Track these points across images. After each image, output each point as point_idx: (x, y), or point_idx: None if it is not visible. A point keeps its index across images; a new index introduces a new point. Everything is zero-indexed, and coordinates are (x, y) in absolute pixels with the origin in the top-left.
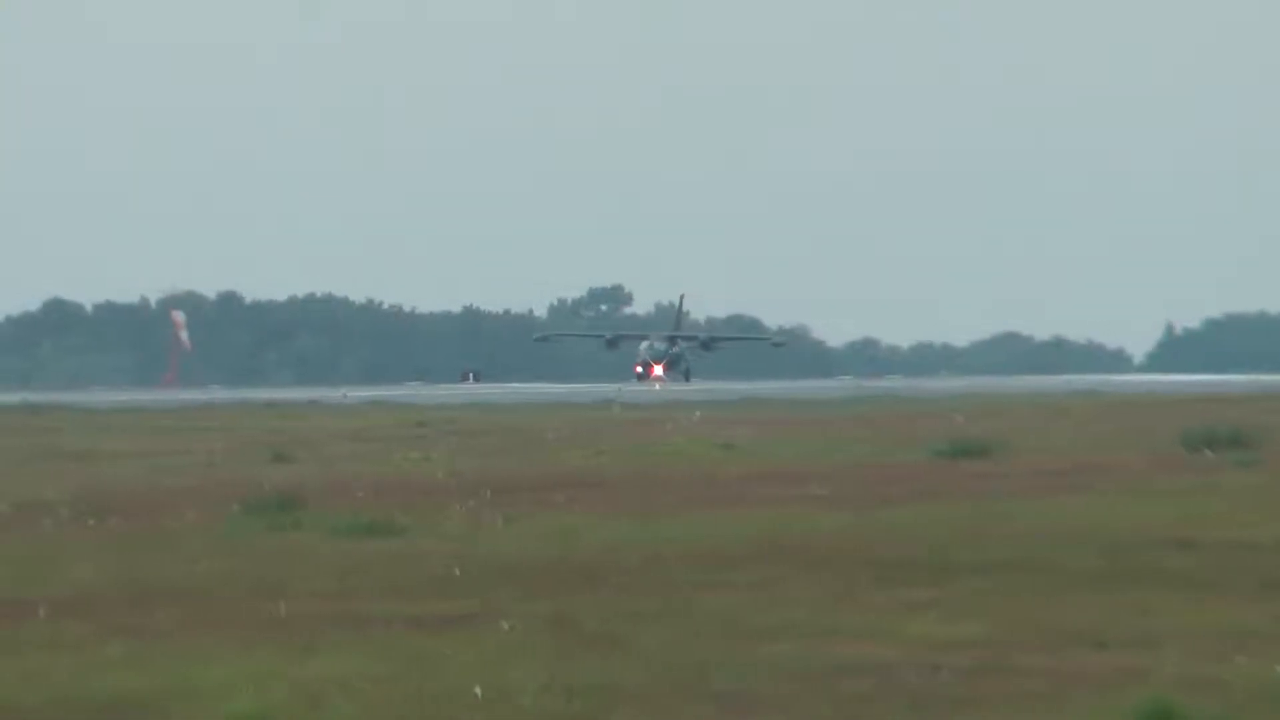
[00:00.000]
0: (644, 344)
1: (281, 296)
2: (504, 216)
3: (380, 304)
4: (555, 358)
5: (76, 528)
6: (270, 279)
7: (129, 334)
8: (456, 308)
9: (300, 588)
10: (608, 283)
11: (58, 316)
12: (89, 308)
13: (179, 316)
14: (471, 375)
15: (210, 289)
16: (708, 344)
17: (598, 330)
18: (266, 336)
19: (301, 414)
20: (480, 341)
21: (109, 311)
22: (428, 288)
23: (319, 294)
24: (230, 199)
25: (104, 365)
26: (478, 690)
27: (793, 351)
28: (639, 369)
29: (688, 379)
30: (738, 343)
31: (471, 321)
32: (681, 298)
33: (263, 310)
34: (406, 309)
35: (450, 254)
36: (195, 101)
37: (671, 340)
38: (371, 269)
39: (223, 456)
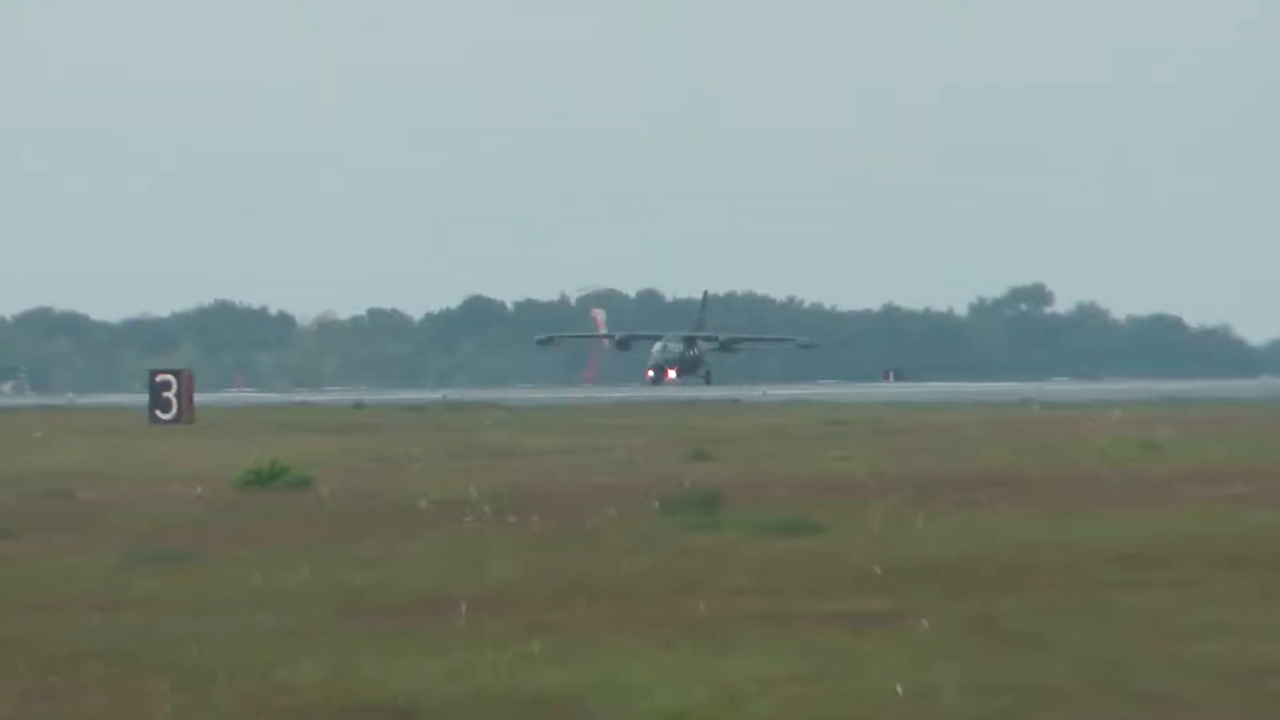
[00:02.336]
0: (657, 345)
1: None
2: (924, 211)
3: (801, 302)
4: (972, 357)
5: (497, 525)
6: (690, 276)
7: (549, 331)
8: (877, 305)
9: (719, 585)
10: (1028, 281)
11: (478, 314)
12: (509, 305)
13: (599, 314)
14: (891, 374)
15: (630, 286)
16: (729, 345)
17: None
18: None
19: (721, 412)
20: (900, 340)
21: (529, 309)
22: (848, 285)
23: (739, 291)
24: (643, 196)
25: (526, 363)
26: (899, 689)
27: (1215, 350)
28: (650, 373)
29: (709, 382)
30: (765, 344)
31: (892, 320)
32: (705, 294)
33: (682, 307)
34: (827, 307)
35: (871, 251)
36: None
37: (689, 341)
38: (792, 266)
39: (642, 454)
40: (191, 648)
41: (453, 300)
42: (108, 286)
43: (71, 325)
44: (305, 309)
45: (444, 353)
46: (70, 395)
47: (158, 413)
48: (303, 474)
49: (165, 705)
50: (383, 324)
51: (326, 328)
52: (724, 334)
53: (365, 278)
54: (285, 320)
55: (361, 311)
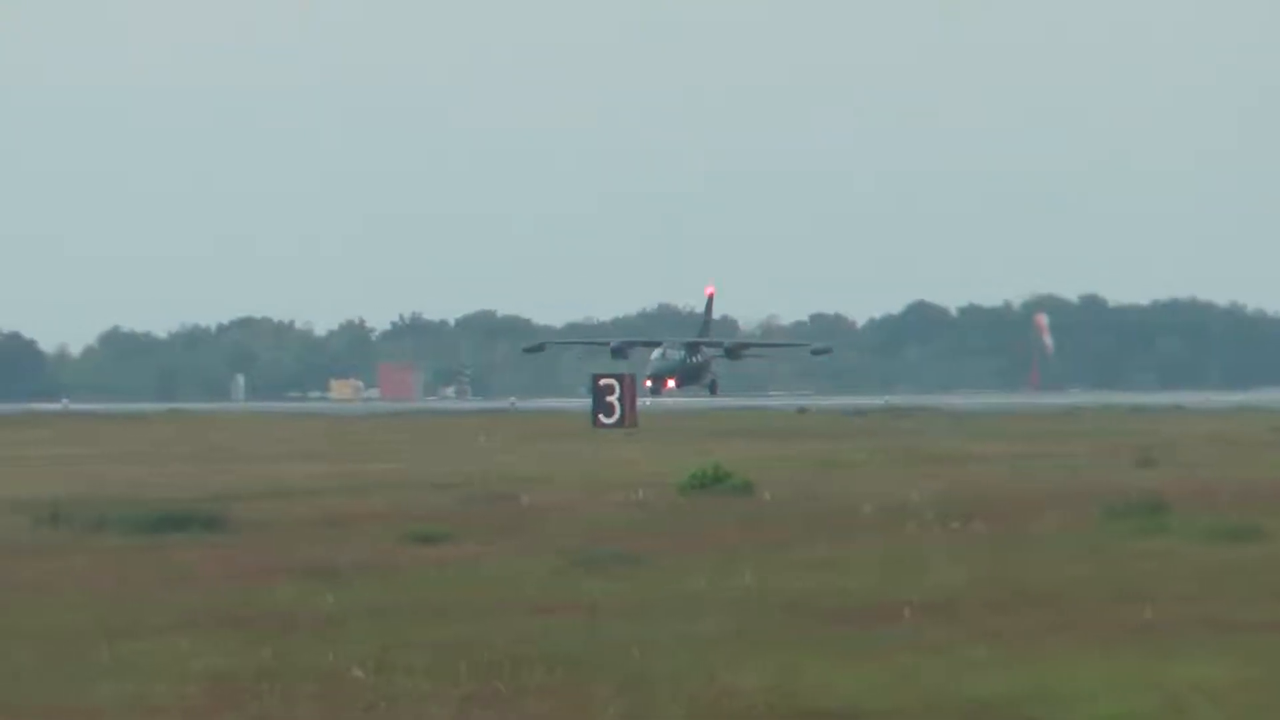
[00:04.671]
0: (655, 352)
1: (1144, 300)
2: None
3: (1243, 307)
4: None
5: (940, 531)
6: (1132, 282)
7: (993, 337)
8: None
9: (1164, 592)
10: None
11: (922, 319)
12: (953, 311)
13: (1042, 320)
14: None
15: (1072, 292)
16: (734, 352)
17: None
18: (1128, 340)
19: (1163, 418)
20: None
21: (973, 315)
22: None
23: (1181, 297)
24: (1092, 200)
25: (968, 368)
26: None
27: None
28: (649, 382)
29: (714, 393)
30: (771, 350)
31: None
32: (710, 296)
33: (1124, 314)
34: (1270, 313)
35: None
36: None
37: (692, 347)
38: (1234, 271)
39: (1086, 460)
40: (634, 652)
41: (896, 306)
42: (549, 291)
43: (513, 329)
44: (748, 313)
45: (887, 358)
46: (512, 400)
47: (600, 417)
48: (745, 478)
49: (609, 710)
50: (825, 329)
51: (770, 333)
52: (729, 339)
53: (809, 283)
54: (728, 324)
55: (804, 317)
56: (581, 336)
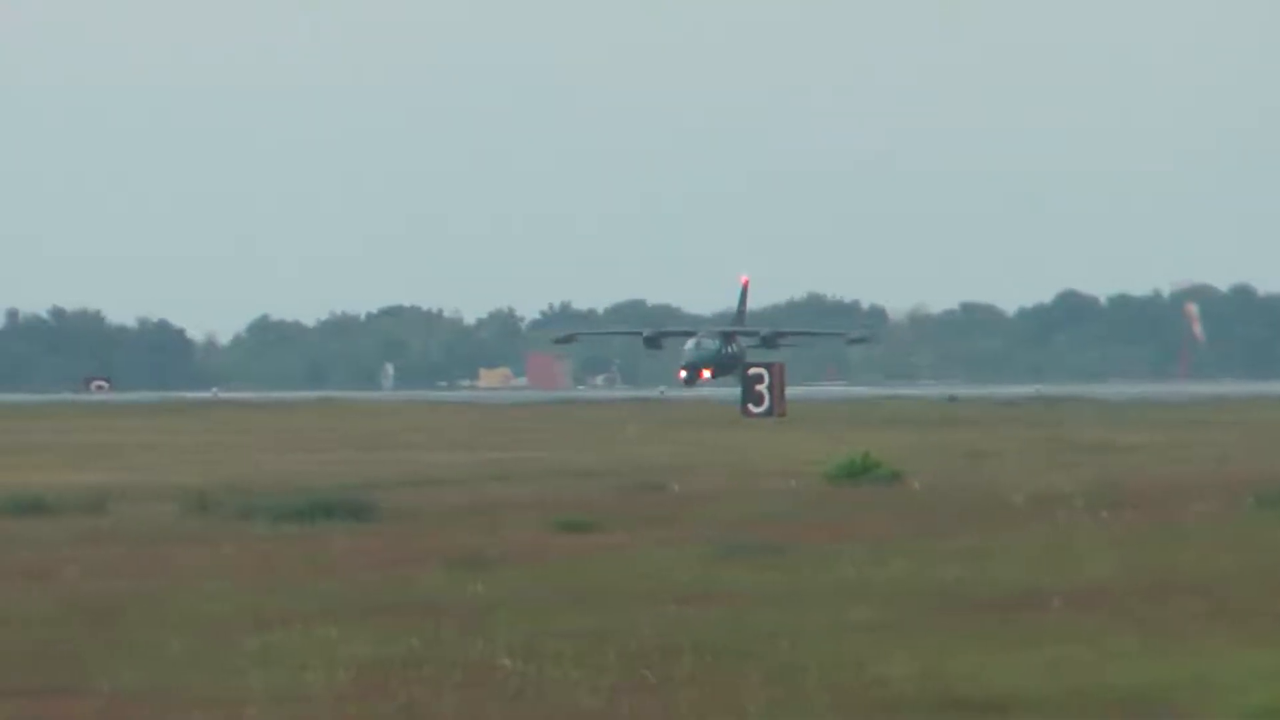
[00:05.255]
0: (690, 342)
1: None
2: None
3: None
4: None
5: (1090, 519)
6: None
7: (1143, 326)
8: None
9: None
10: None
11: (1072, 309)
12: (1103, 300)
13: (1192, 309)
14: None
15: (1223, 282)
16: (770, 340)
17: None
18: (1278, 329)
19: None
20: None
21: (1122, 304)
22: None
23: None
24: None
25: (1119, 358)
26: None
27: None
28: (683, 373)
29: None
30: (811, 339)
31: None
32: (745, 284)
33: (1275, 303)
34: None
35: None
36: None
37: (726, 337)
38: None
39: (1236, 450)
40: (783, 641)
41: (1046, 295)
42: (700, 280)
43: (662, 318)
44: (897, 302)
45: (1036, 347)
46: (661, 389)
47: (749, 406)
48: (894, 468)
49: (757, 699)
50: (975, 318)
51: (919, 321)
52: (765, 328)
53: (957, 271)
54: (876, 314)
55: (954, 305)
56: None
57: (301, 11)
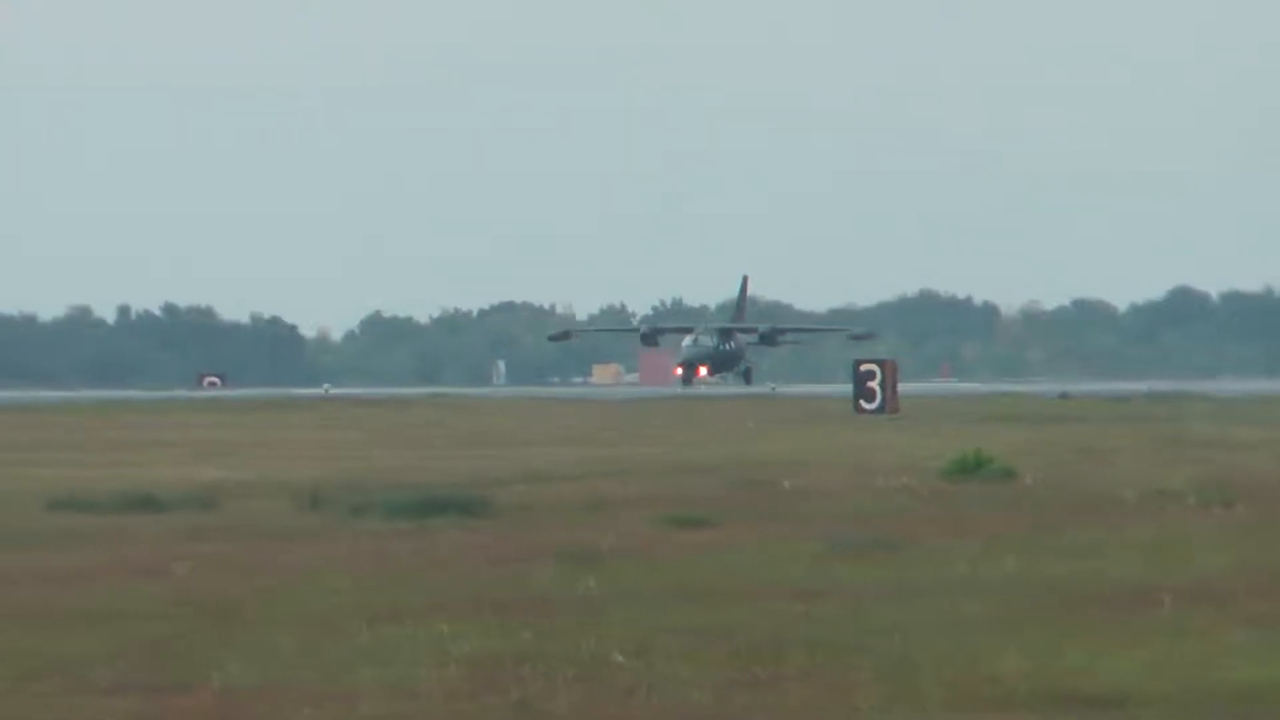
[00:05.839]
0: (687, 339)
1: None
2: None
3: None
4: None
5: (1202, 515)
6: None
7: (1255, 323)
8: None
9: None
10: None
11: (1184, 305)
12: (1215, 296)
13: None
14: None
15: None
16: (769, 337)
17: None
18: None
19: None
20: None
21: (1234, 300)
22: None
23: None
24: None
25: (1231, 354)
26: None
27: None
28: (679, 370)
29: (749, 381)
30: (808, 335)
31: None
32: (745, 280)
33: None
34: None
35: None
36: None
37: (725, 334)
38: None
39: None
40: (895, 638)
41: (1158, 291)
42: (812, 277)
43: (775, 315)
44: (1009, 299)
45: (1148, 344)
46: (772, 385)
47: (862, 403)
48: (1007, 464)
49: (869, 695)
50: (1088, 315)
51: (1031, 318)
52: (764, 325)
53: (1070, 268)
54: (989, 310)
55: (1066, 302)
56: (843, 323)
57: (452, 10)
